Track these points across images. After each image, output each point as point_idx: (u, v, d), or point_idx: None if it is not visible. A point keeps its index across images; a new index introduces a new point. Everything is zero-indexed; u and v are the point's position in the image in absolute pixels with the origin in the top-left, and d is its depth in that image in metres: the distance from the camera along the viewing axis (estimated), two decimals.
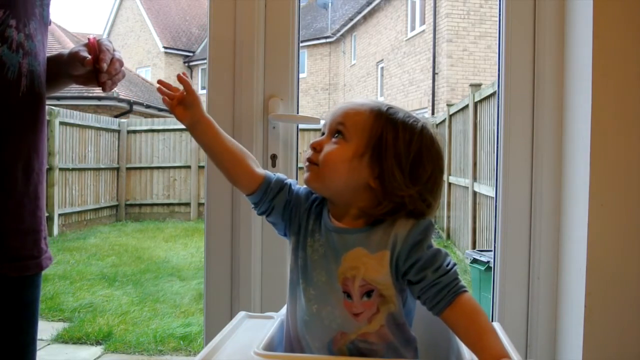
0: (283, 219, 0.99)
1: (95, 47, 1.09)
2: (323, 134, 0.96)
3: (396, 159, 0.90)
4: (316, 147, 0.93)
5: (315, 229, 0.96)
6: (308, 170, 0.94)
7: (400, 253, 0.89)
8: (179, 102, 1.00)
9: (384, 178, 0.90)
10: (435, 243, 0.92)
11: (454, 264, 0.89)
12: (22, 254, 1.05)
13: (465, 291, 0.86)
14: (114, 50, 1.13)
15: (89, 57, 1.08)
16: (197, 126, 1.00)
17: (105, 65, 1.08)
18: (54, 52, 1.18)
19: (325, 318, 0.91)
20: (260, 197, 0.99)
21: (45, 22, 1.12)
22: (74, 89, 10.87)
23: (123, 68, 1.15)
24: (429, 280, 0.87)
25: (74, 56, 1.10)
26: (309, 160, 0.94)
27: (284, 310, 1.04)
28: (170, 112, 0.99)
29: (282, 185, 0.99)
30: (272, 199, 0.98)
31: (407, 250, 0.89)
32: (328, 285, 0.92)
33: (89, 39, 1.11)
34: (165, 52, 19.61)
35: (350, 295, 0.90)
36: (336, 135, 0.93)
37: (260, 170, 1.01)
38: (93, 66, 1.08)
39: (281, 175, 1.01)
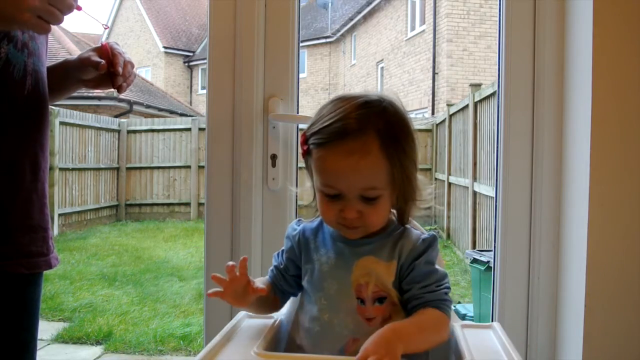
0: (298, 272, 1.00)
1: (109, 51, 1.11)
2: (335, 195, 0.89)
3: (412, 174, 0.92)
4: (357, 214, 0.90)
5: (319, 244, 0.97)
6: (351, 228, 0.91)
7: (404, 263, 0.91)
8: (234, 291, 0.91)
9: (403, 196, 0.93)
10: (440, 256, 0.95)
11: (446, 287, 0.91)
12: (33, 251, 1.05)
13: (441, 309, 0.88)
14: (124, 52, 1.15)
15: (103, 61, 1.10)
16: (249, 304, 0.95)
17: (120, 69, 1.11)
18: (59, 59, 1.20)
19: (337, 325, 0.91)
20: (288, 294, 1.02)
21: None
22: None
23: (134, 70, 1.17)
24: (412, 293, 0.90)
25: (85, 61, 1.12)
26: (353, 226, 0.90)
27: (284, 310, 1.04)
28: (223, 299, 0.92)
29: (277, 275, 1.01)
30: (288, 285, 1.00)
31: (409, 261, 0.91)
32: (340, 293, 0.92)
33: (101, 43, 1.13)
34: (165, 52, 19.62)
35: (364, 301, 0.91)
36: (372, 199, 0.88)
37: (266, 283, 1.01)
38: (107, 70, 1.10)
39: (270, 271, 1.02)
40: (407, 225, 0.97)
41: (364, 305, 0.91)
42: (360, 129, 0.86)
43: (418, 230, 0.98)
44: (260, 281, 1.00)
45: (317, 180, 0.91)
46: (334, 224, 0.92)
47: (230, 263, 0.89)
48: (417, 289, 0.90)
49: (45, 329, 3.82)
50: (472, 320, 3.55)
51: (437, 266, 0.92)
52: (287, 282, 1.00)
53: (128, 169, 9.60)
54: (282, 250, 1.02)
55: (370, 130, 0.86)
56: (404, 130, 0.90)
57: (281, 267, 1.01)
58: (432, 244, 0.93)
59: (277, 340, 0.99)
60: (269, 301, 1.00)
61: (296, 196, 1.58)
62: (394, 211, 0.97)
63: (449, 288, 0.91)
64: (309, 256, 0.97)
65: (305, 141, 0.91)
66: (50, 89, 1.12)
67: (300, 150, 0.94)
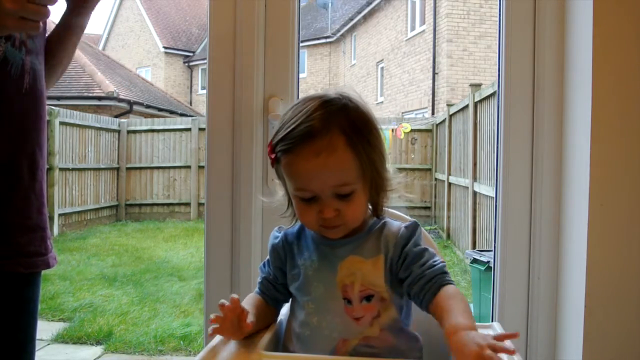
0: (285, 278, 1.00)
1: None
2: (311, 198, 0.89)
3: (380, 165, 0.92)
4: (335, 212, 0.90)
5: (302, 248, 0.98)
6: (332, 228, 0.92)
7: (394, 255, 0.92)
8: (230, 324, 0.89)
9: (374, 188, 0.93)
10: (435, 242, 0.96)
11: (442, 261, 0.92)
12: (31, 251, 1.06)
13: (451, 283, 0.88)
14: None
15: None
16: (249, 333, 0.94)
17: None
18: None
19: (326, 328, 0.92)
20: (282, 302, 1.02)
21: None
22: (73, 89, 10.88)
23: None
24: (414, 274, 0.89)
25: None
26: (333, 225, 0.91)
27: (284, 310, 1.04)
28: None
29: (267, 286, 1.01)
30: (280, 293, 1.01)
31: (398, 250, 0.92)
32: (326, 295, 0.93)
33: None
34: (165, 52, 19.61)
35: (350, 301, 0.91)
36: (347, 195, 0.89)
37: (257, 294, 1.02)
38: None
39: (259, 283, 1.02)
40: (386, 219, 0.97)
41: (351, 305, 0.91)
42: (324, 128, 0.87)
43: (399, 220, 0.99)
44: (249, 301, 1.00)
45: (290, 186, 0.92)
46: (315, 227, 0.93)
47: (222, 301, 0.89)
48: (417, 269, 0.89)
49: (45, 329, 3.82)
50: None
51: (425, 246, 0.94)
52: (278, 291, 1.01)
53: (128, 169, 9.59)
54: (268, 261, 1.02)
55: (334, 128, 0.87)
56: (367, 123, 0.91)
57: (270, 277, 1.01)
58: (415, 230, 0.94)
59: (277, 340, 0.99)
60: (265, 315, 0.99)
61: None
62: (370, 207, 0.97)
63: (443, 262, 0.92)
64: (293, 261, 0.98)
65: (272, 150, 0.92)
66: (53, 57, 1.11)
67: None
